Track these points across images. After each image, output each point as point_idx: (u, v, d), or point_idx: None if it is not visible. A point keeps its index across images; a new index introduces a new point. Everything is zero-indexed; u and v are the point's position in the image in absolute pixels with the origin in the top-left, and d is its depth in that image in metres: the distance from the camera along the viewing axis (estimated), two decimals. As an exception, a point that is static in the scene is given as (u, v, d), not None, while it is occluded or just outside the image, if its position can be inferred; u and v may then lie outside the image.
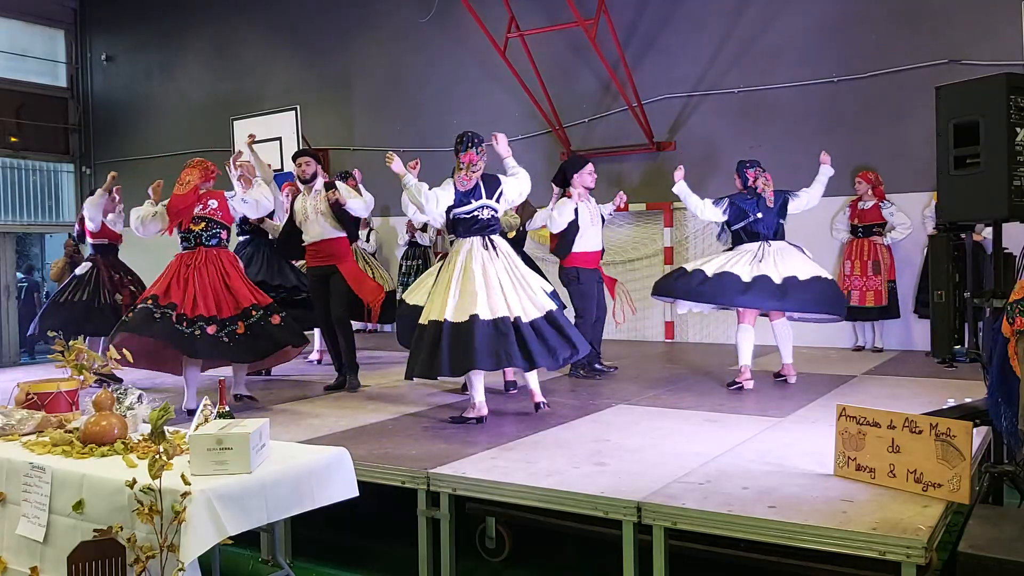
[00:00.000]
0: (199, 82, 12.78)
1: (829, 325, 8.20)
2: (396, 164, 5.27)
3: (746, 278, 5.95)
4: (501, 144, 5.33)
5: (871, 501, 3.36)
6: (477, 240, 5.26)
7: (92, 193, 7.83)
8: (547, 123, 9.73)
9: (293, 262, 7.41)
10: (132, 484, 2.79)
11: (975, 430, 3.37)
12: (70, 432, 3.44)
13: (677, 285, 6.19)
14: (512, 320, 5.03)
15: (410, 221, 10.24)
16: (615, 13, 8.93)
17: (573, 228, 6.64)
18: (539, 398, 5.35)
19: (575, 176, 6.70)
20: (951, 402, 4.62)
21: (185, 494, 2.73)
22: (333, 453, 3.38)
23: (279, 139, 10.47)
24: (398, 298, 6.56)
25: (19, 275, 13.53)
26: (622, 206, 6.46)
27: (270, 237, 7.30)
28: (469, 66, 10.45)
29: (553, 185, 6.91)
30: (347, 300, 6.42)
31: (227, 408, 3.69)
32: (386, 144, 11.01)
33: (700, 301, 6.27)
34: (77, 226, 8.19)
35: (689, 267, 6.24)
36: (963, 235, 4.03)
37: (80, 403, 3.86)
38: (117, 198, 7.61)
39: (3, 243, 12.78)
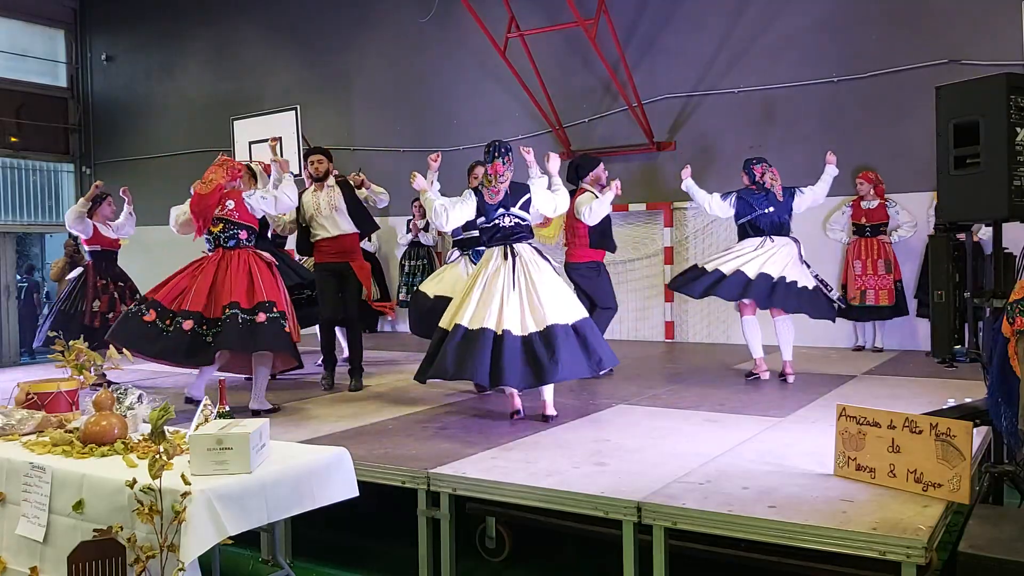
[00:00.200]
0: (199, 82, 12.78)
1: (829, 325, 8.22)
2: (418, 182, 5.38)
3: (751, 275, 6.14)
4: (552, 162, 5.45)
5: (871, 501, 3.36)
6: (498, 250, 5.18)
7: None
8: (547, 123, 9.72)
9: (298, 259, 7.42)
10: (132, 484, 2.79)
11: (975, 430, 3.37)
12: (70, 432, 3.44)
13: (696, 284, 6.34)
14: (498, 333, 4.90)
15: (413, 222, 10.29)
16: (615, 13, 8.93)
17: (606, 221, 6.71)
18: (549, 411, 5.17)
19: (591, 173, 6.73)
20: (951, 402, 4.62)
21: (185, 494, 2.73)
22: (333, 453, 3.38)
23: (279, 139, 10.46)
24: (418, 290, 6.64)
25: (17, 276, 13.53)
26: (618, 192, 6.51)
27: (272, 230, 7.21)
28: (469, 66, 10.45)
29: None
30: (360, 301, 6.46)
31: (227, 408, 3.69)
32: (386, 144, 11.05)
33: (719, 295, 6.40)
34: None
35: (709, 266, 6.33)
36: (960, 235, 4.03)
37: (80, 403, 3.86)
38: (127, 199, 7.44)
39: (3, 243, 12.79)
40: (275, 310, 5.48)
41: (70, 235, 8.74)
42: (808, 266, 6.38)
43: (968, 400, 4.51)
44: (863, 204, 8.11)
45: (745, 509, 3.31)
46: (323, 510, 3.28)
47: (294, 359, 5.72)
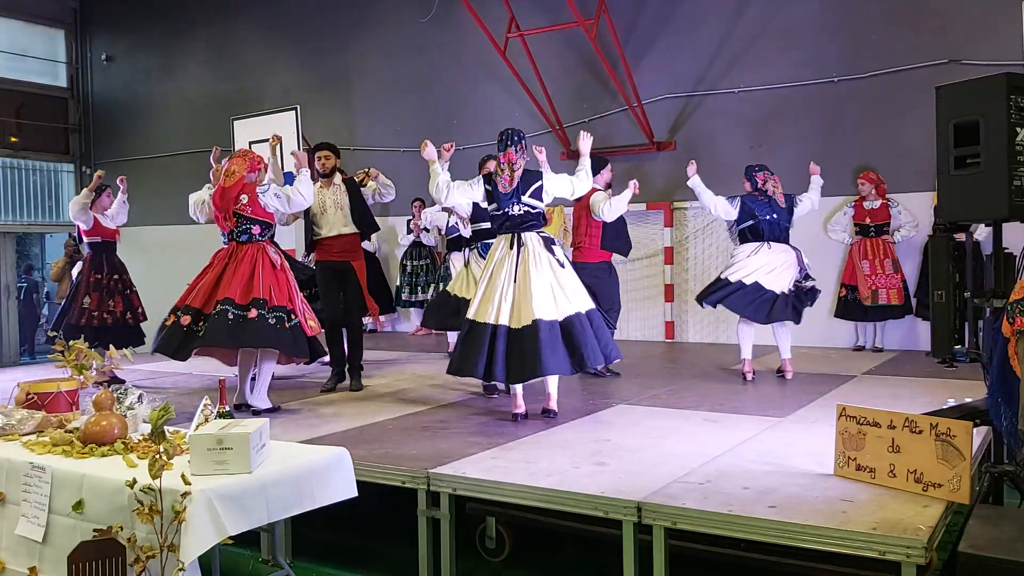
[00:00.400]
0: (199, 82, 12.78)
1: (829, 325, 8.25)
2: (429, 151, 5.35)
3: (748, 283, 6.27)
4: (584, 141, 5.52)
5: (871, 501, 3.36)
6: (506, 238, 5.22)
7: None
8: (547, 123, 9.72)
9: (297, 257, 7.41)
10: (132, 484, 2.79)
11: (975, 430, 3.37)
12: (70, 432, 3.44)
13: (717, 296, 6.41)
14: (495, 326, 4.97)
15: (414, 222, 10.27)
16: (615, 13, 8.93)
17: (621, 222, 6.72)
18: (551, 405, 5.21)
19: (600, 173, 6.72)
20: (951, 402, 4.62)
21: (185, 494, 2.72)
22: (333, 453, 3.38)
23: (280, 137, 10.43)
24: (443, 289, 6.77)
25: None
26: (636, 191, 6.56)
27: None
28: (469, 66, 10.45)
29: None
30: (361, 300, 6.45)
31: (227, 408, 3.69)
32: (386, 144, 11.05)
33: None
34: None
35: (733, 278, 6.37)
36: (959, 235, 4.03)
37: (80, 403, 3.86)
38: (122, 187, 7.40)
39: (3, 243, 12.79)
40: (269, 307, 5.43)
41: (70, 235, 8.75)
42: (808, 274, 6.42)
43: (968, 400, 4.51)
44: (866, 204, 8.11)
45: (745, 509, 3.31)
46: (323, 510, 3.28)
47: (295, 355, 5.66)
